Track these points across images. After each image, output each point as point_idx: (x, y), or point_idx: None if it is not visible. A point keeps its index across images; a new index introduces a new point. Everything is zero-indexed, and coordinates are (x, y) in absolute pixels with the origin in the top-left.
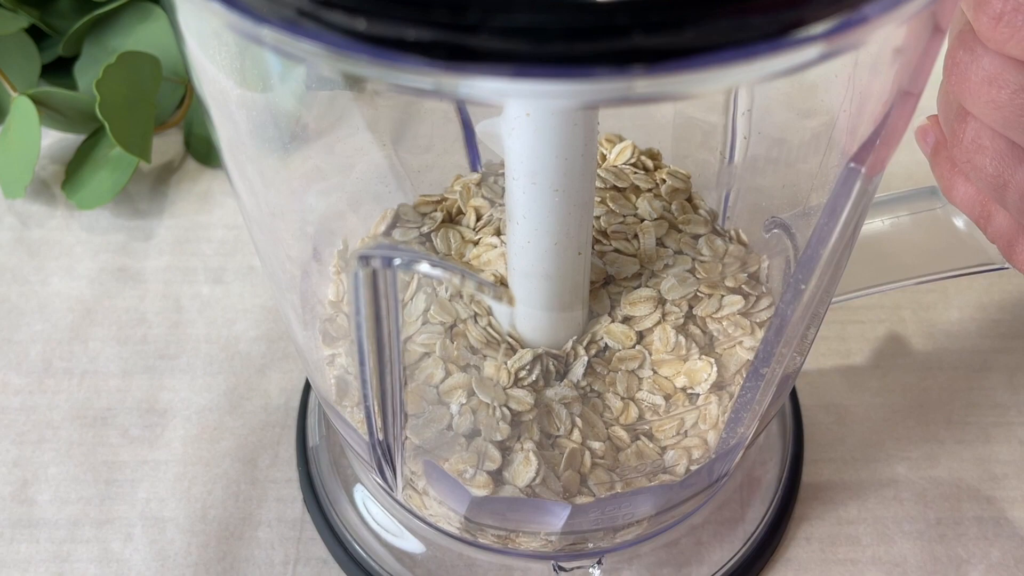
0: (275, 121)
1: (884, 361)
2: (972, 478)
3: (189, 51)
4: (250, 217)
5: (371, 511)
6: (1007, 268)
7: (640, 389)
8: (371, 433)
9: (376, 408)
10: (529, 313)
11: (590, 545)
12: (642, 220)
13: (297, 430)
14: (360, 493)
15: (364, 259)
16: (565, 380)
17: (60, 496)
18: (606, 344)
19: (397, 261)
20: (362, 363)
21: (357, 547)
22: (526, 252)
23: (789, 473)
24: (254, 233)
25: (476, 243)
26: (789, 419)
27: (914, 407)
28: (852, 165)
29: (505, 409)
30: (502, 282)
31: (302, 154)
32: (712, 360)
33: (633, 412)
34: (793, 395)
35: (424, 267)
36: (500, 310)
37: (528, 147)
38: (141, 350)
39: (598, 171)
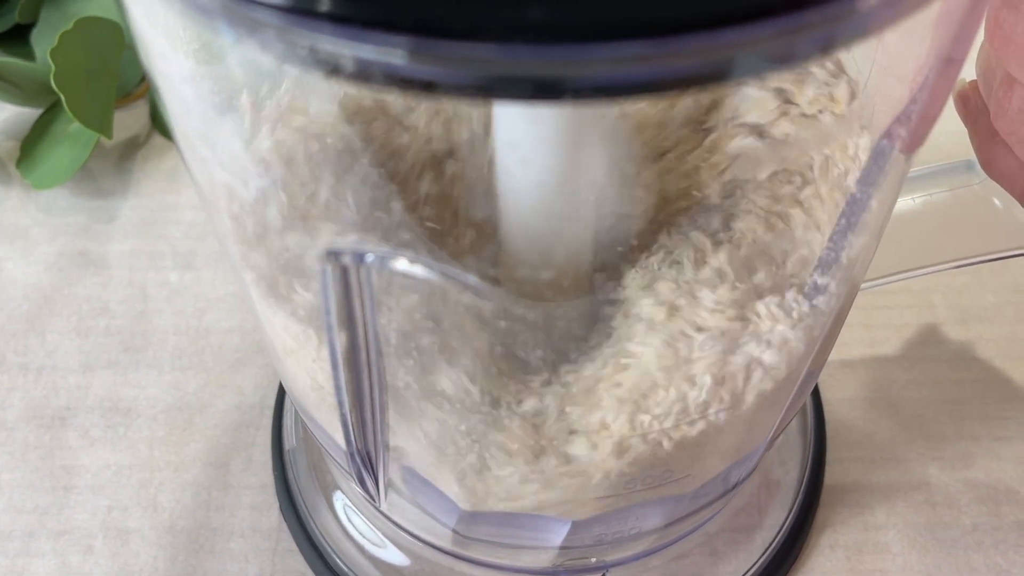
0: (232, 97)
1: (913, 351)
2: (1012, 479)
3: (131, 18)
4: (212, 206)
5: (352, 520)
6: None
7: None
8: (348, 441)
9: (353, 415)
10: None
11: (593, 560)
12: None
13: (273, 431)
14: (340, 500)
15: (333, 255)
16: None
17: (14, 504)
18: None
19: (370, 258)
20: (335, 367)
21: (337, 559)
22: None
23: (811, 474)
24: (217, 225)
25: None
26: (810, 415)
27: (947, 401)
28: (884, 143)
29: None
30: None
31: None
32: None
33: None
34: (814, 389)
35: (401, 264)
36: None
37: None
38: (103, 343)
39: None
